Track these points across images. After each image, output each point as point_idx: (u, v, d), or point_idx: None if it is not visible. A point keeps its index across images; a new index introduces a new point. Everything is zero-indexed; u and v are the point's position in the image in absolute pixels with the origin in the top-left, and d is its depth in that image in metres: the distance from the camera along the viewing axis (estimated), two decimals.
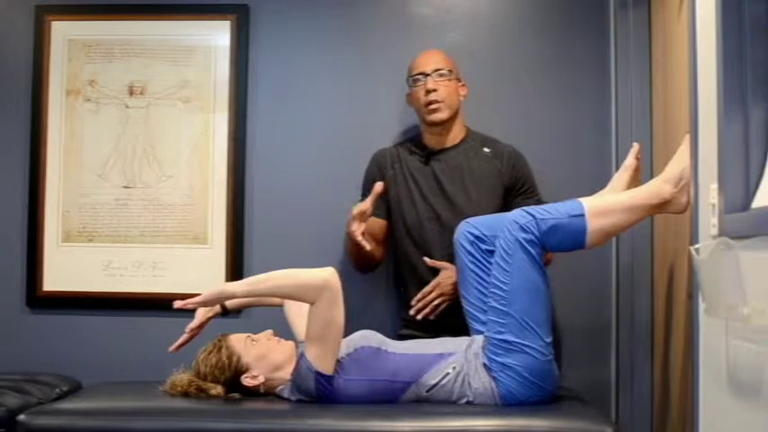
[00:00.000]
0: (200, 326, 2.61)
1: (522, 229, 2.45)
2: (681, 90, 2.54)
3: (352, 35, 3.29)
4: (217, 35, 3.27)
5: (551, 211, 2.48)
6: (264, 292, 2.55)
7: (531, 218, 2.46)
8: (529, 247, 2.44)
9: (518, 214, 2.49)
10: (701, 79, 2.06)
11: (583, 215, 2.45)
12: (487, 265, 2.54)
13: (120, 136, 3.27)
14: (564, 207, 2.50)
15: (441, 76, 2.93)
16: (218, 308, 2.65)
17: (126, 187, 3.26)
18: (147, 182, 3.26)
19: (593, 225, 2.45)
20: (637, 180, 2.71)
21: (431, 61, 2.96)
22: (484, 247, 2.57)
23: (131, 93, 3.28)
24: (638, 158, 2.72)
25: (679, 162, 2.50)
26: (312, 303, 2.42)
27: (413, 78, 2.97)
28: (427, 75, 2.93)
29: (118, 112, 3.27)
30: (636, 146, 2.75)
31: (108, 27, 3.30)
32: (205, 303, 2.49)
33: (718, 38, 1.85)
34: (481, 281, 2.55)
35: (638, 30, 3.12)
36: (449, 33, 3.23)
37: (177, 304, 2.43)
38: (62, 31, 3.28)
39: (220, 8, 3.27)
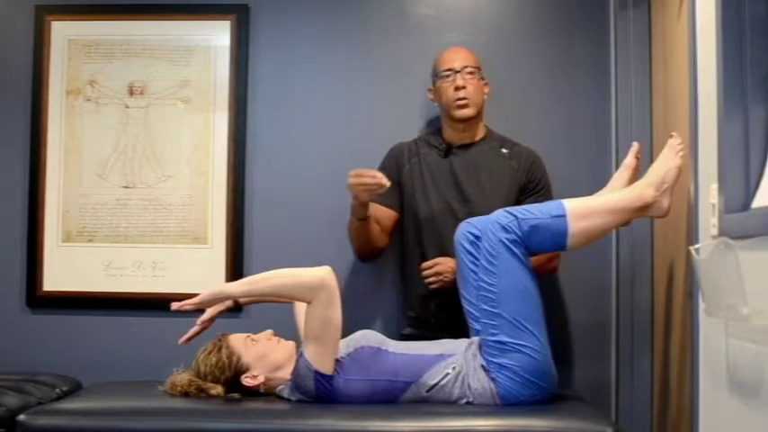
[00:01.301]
0: (212, 319, 2.60)
1: (504, 229, 2.45)
2: (681, 90, 2.54)
3: (352, 35, 3.29)
4: (217, 35, 3.27)
5: (533, 212, 2.48)
6: (262, 291, 2.54)
7: (512, 218, 2.46)
8: (513, 247, 2.44)
9: (500, 215, 2.49)
10: (700, 79, 2.06)
11: (564, 216, 2.45)
12: None
13: (120, 136, 3.27)
14: (546, 208, 2.51)
15: (469, 73, 2.94)
16: (230, 302, 2.64)
17: (126, 187, 3.26)
18: (147, 182, 3.26)
19: (575, 227, 2.45)
20: (636, 179, 2.71)
21: (460, 58, 2.97)
22: None
23: (131, 93, 3.28)
24: (637, 158, 2.73)
25: (662, 166, 2.51)
26: (309, 303, 2.42)
27: (441, 74, 2.96)
28: (457, 72, 2.93)
29: (118, 112, 3.27)
30: (636, 145, 2.75)
31: (108, 27, 3.30)
32: (202, 304, 2.49)
33: (718, 38, 1.85)
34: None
35: (638, 30, 3.12)
36: (449, 33, 3.23)
37: (174, 306, 2.44)
38: (62, 31, 3.28)
39: (220, 8, 3.27)
